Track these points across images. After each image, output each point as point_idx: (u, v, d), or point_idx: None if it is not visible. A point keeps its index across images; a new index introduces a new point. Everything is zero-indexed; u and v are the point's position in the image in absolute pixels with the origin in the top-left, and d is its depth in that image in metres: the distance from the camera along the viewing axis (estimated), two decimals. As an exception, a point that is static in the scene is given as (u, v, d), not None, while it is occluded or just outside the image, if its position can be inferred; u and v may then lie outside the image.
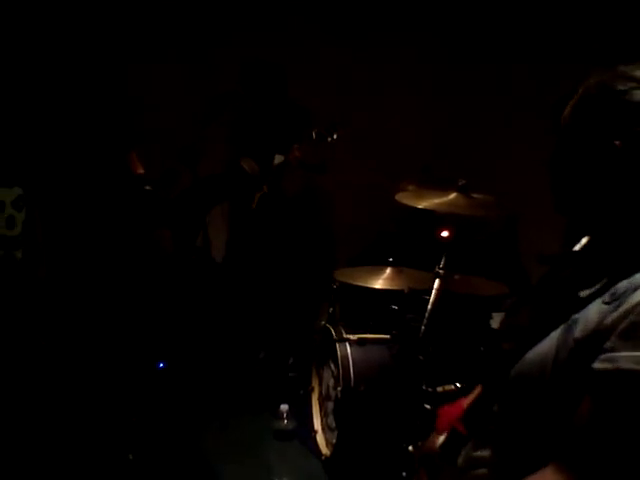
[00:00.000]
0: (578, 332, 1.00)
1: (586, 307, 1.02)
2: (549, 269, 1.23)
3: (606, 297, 0.99)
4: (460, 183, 2.35)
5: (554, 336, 1.04)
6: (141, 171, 3.14)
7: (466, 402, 1.44)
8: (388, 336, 2.65)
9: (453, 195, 2.36)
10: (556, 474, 0.97)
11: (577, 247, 1.23)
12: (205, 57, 3.92)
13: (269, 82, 3.51)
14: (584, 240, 1.22)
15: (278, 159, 3.37)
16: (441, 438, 1.35)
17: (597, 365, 0.95)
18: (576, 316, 1.02)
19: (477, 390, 1.43)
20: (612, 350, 0.94)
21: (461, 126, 3.82)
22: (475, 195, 2.38)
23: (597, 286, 1.03)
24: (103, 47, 3.63)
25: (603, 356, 0.94)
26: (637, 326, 0.92)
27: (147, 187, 2.98)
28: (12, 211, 3.12)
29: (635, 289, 0.96)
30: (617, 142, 1.02)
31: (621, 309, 0.95)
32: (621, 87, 1.03)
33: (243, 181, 2.65)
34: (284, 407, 3.02)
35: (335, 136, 3.04)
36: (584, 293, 1.04)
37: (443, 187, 2.41)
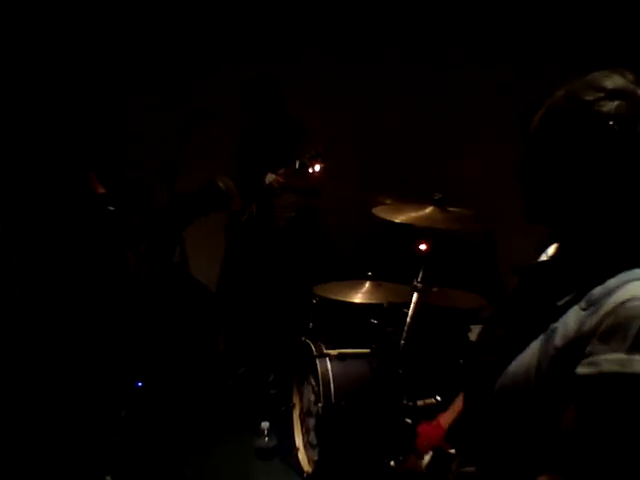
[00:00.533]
0: (558, 340, 1.00)
1: (563, 315, 1.02)
2: (519, 280, 1.24)
3: (582, 304, 1.00)
4: (436, 197, 2.37)
5: (534, 346, 1.05)
6: (102, 191, 3.11)
7: (446, 418, 1.43)
8: (368, 350, 2.65)
9: (430, 209, 2.37)
10: None
11: (543, 257, 1.24)
12: (187, 74, 3.92)
13: (269, 97, 3.51)
14: (550, 250, 1.23)
15: (269, 178, 3.36)
16: (427, 458, 1.33)
17: (580, 370, 0.96)
18: (555, 325, 1.03)
19: (457, 405, 1.43)
20: (593, 354, 0.95)
21: (439, 137, 3.84)
22: (451, 209, 2.40)
23: (572, 294, 1.04)
24: (79, 69, 3.62)
25: (585, 360, 0.95)
26: (616, 328, 0.94)
27: (110, 207, 2.95)
28: (-13, 230, 3.07)
29: (610, 293, 0.97)
30: (585, 152, 1.03)
31: (599, 313, 0.96)
32: (589, 98, 1.03)
33: (217, 198, 2.64)
34: (265, 424, 2.99)
35: (317, 167, 3.03)
36: (561, 302, 1.05)
37: (420, 200, 2.42)
